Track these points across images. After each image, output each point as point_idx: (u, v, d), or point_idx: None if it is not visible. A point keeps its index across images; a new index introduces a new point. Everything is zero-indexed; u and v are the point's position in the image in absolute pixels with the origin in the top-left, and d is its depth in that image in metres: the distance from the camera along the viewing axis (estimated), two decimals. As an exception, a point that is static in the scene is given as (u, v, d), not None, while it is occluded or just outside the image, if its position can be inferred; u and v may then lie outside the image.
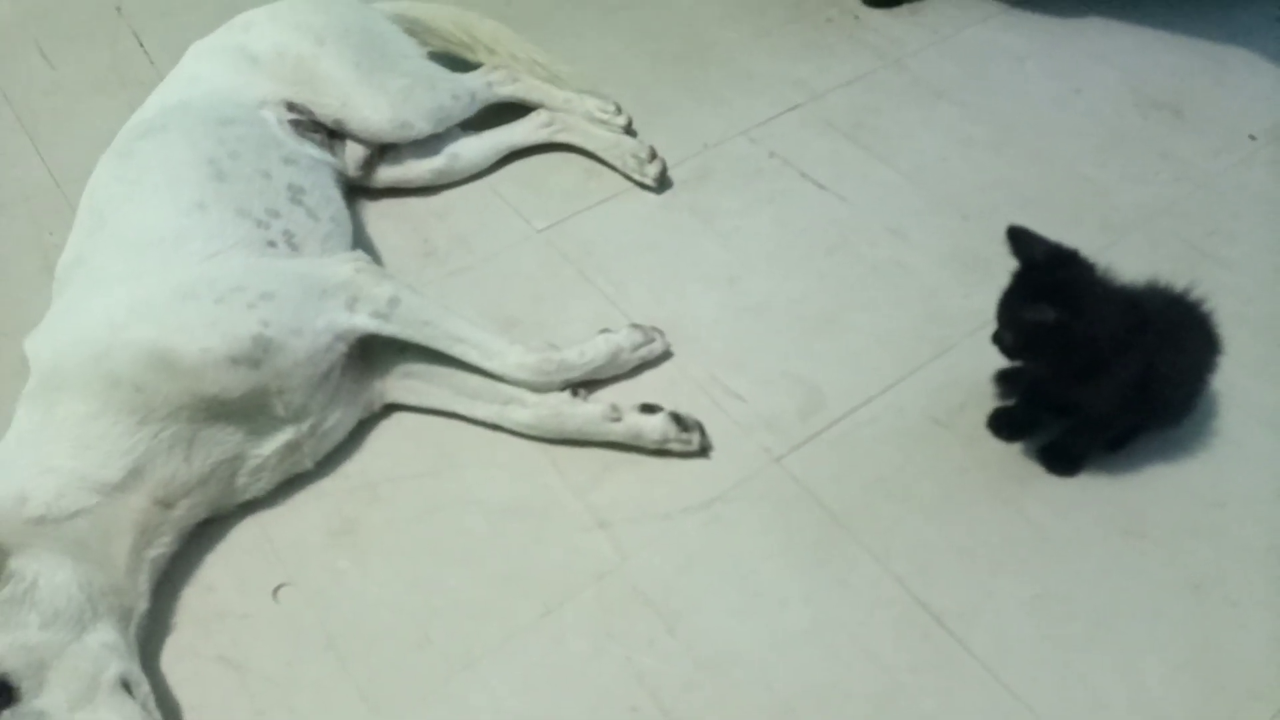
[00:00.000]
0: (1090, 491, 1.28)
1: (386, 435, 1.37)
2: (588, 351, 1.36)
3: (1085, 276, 1.17)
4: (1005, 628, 1.15)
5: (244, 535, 1.26)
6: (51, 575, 1.05)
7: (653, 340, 1.41)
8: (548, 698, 1.11)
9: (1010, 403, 1.35)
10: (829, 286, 1.54)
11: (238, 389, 1.18)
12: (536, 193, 1.71)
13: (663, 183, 1.69)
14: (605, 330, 1.40)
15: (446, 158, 1.69)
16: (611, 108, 1.78)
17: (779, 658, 1.14)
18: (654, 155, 1.69)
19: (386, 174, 1.67)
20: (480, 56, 1.81)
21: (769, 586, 1.20)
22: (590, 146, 1.75)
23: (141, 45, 2.06)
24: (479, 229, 1.65)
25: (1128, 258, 1.54)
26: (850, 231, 1.61)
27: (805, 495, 1.28)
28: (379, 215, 1.67)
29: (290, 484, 1.29)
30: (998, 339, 1.20)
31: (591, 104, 1.77)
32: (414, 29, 1.77)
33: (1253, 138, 1.77)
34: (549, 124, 1.76)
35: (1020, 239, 1.19)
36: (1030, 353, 1.20)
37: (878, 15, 2.09)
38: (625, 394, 1.37)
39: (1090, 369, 1.16)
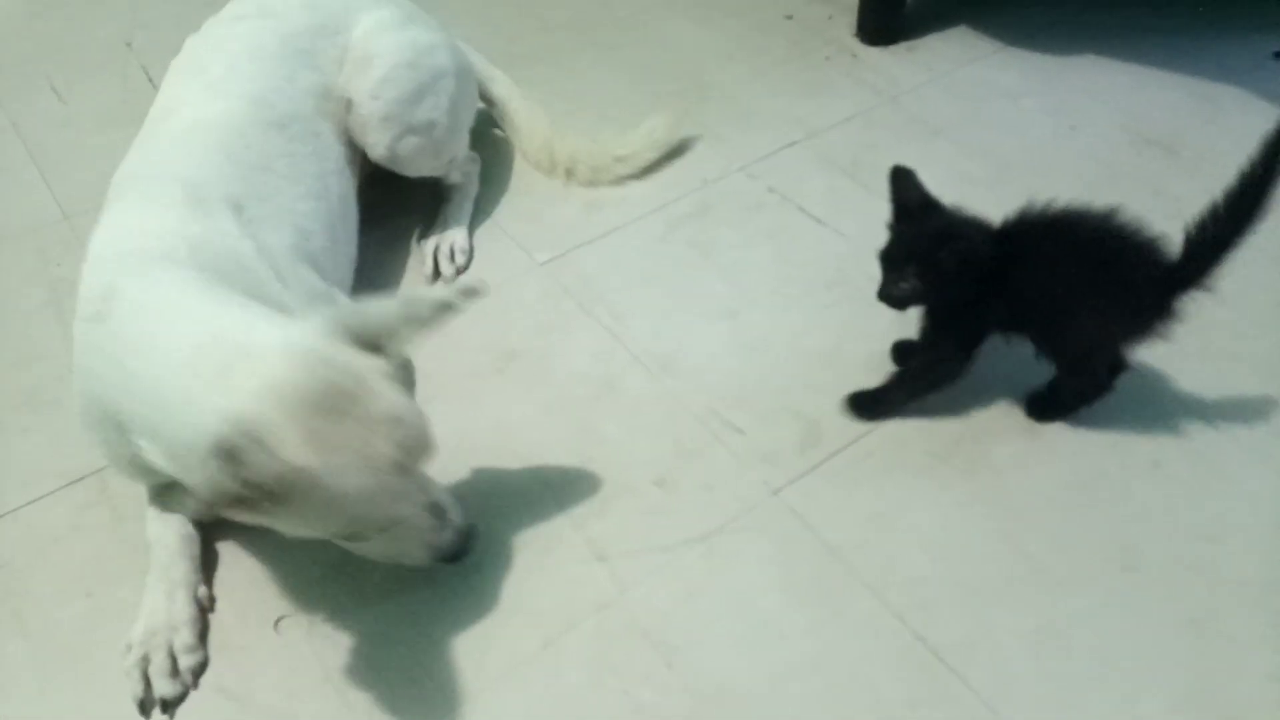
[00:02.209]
0: (1087, 527, 1.28)
1: (387, 467, 1.37)
2: None
3: (957, 219, 1.28)
4: (1004, 663, 1.15)
5: (246, 567, 1.27)
6: None
7: None
8: (546, 731, 1.11)
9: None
10: (828, 320, 1.55)
11: None
12: (538, 225, 1.74)
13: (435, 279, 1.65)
14: None
15: None
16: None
17: (777, 692, 1.14)
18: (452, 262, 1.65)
19: None
20: (555, 176, 1.82)
21: (767, 620, 1.20)
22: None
23: (150, 80, 2.10)
24: (481, 261, 1.67)
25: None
26: (849, 266, 1.63)
27: (804, 529, 1.28)
28: (381, 246, 1.69)
29: (291, 515, 1.30)
30: (888, 293, 1.27)
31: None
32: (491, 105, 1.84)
33: (1246, 175, 1.79)
34: None
35: (902, 180, 1.29)
36: (931, 293, 1.27)
37: (875, 53, 2.13)
38: (625, 422, 1.38)
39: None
